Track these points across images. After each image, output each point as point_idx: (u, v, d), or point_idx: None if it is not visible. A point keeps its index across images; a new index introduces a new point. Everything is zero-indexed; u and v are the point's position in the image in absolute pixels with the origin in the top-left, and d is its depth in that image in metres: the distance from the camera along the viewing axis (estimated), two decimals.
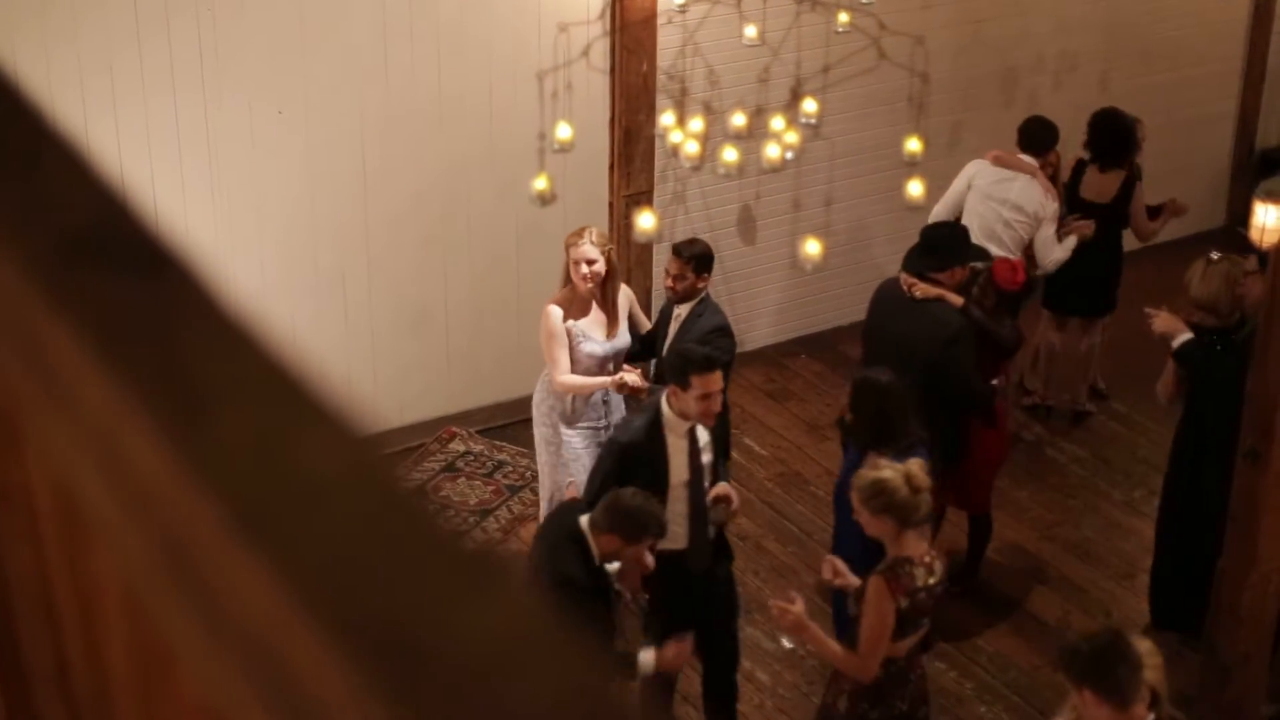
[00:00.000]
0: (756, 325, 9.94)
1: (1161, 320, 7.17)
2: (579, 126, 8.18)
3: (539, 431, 7.46)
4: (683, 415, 6.37)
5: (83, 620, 1.30)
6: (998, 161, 8.56)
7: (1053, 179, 8.75)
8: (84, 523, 1.16)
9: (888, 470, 5.68)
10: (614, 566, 5.96)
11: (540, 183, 6.98)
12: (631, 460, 6.39)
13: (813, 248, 6.89)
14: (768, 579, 7.88)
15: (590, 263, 7.17)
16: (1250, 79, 11.48)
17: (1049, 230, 8.48)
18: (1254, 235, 7.05)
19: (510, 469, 8.74)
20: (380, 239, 8.50)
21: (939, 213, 8.47)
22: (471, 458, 8.83)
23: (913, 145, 7.49)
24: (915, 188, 7.33)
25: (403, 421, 8.81)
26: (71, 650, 1.35)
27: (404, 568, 0.80)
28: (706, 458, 6.50)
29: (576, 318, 7.27)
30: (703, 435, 6.49)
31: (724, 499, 6.56)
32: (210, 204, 7.99)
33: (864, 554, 5.99)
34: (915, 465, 5.70)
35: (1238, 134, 11.63)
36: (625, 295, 7.46)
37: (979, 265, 7.54)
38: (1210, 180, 11.61)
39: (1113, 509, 8.61)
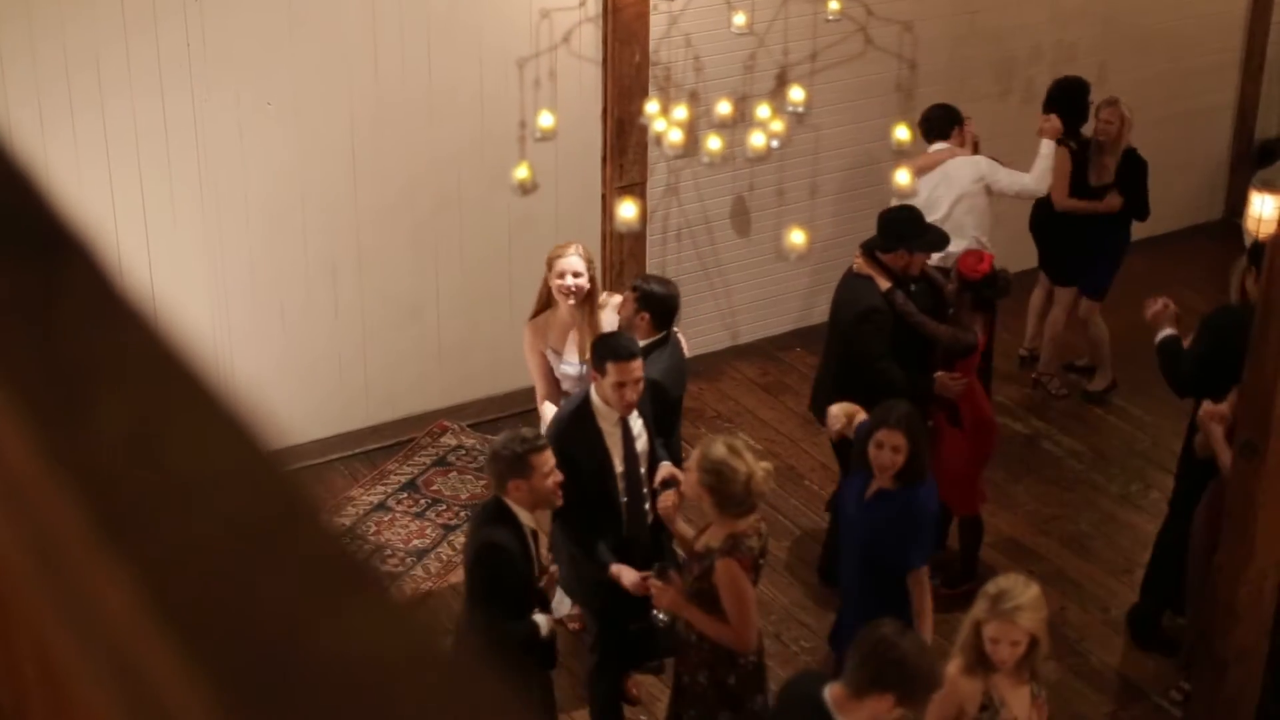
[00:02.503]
0: (750, 318, 9.87)
1: (1151, 310, 7.12)
2: (571, 118, 8.11)
3: None
4: (606, 402, 6.20)
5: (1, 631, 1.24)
6: (919, 172, 8.49)
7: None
8: None
9: (741, 462, 5.60)
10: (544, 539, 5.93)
11: (521, 172, 6.90)
12: (569, 452, 6.05)
13: (797, 238, 6.83)
14: (764, 574, 7.80)
15: (576, 275, 6.88)
16: (1249, 70, 11.40)
17: (1001, 174, 8.44)
18: (1250, 225, 6.97)
19: None
20: (371, 232, 8.44)
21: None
22: (463, 452, 8.77)
23: (901, 134, 7.43)
24: (903, 176, 7.28)
25: (394, 415, 8.76)
26: None
27: (278, 575, 0.73)
28: (641, 445, 6.34)
29: (554, 342, 7.02)
30: (636, 423, 6.32)
31: (670, 479, 6.28)
32: (199, 197, 7.93)
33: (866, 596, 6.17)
34: (763, 472, 5.65)
35: (1237, 125, 11.56)
36: (610, 314, 7.10)
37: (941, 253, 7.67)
38: (1209, 172, 11.54)
39: (1110, 503, 8.55)
